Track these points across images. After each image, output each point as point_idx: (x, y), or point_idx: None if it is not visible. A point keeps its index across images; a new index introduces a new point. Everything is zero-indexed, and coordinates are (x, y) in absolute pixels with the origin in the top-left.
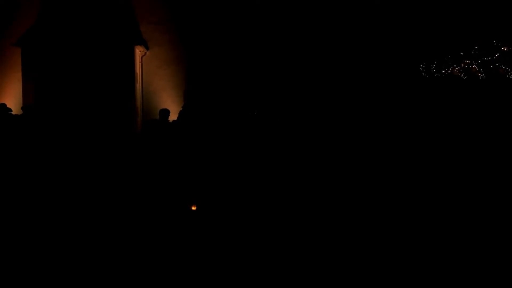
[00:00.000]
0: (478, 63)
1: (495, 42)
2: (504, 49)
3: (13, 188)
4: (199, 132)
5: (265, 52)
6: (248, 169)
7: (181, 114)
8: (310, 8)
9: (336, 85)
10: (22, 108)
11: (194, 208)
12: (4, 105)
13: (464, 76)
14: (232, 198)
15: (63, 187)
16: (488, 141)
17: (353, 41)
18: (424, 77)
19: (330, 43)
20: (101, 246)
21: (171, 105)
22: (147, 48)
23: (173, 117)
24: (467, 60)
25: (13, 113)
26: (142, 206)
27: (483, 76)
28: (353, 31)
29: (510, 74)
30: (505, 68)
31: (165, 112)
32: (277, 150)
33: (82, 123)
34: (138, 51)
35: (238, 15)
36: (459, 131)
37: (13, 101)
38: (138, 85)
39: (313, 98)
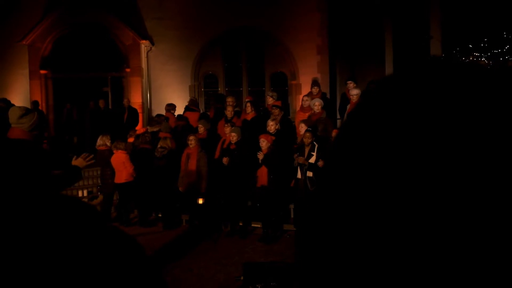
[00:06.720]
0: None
1: (505, 34)
2: None
3: None
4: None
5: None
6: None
7: (187, 108)
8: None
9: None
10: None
11: (201, 202)
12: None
13: None
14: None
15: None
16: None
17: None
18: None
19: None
20: None
21: (177, 100)
22: (152, 43)
23: (179, 111)
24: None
25: None
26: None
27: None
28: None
29: None
30: None
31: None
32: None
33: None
34: (144, 46)
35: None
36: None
37: (20, 97)
38: (144, 80)
39: None
